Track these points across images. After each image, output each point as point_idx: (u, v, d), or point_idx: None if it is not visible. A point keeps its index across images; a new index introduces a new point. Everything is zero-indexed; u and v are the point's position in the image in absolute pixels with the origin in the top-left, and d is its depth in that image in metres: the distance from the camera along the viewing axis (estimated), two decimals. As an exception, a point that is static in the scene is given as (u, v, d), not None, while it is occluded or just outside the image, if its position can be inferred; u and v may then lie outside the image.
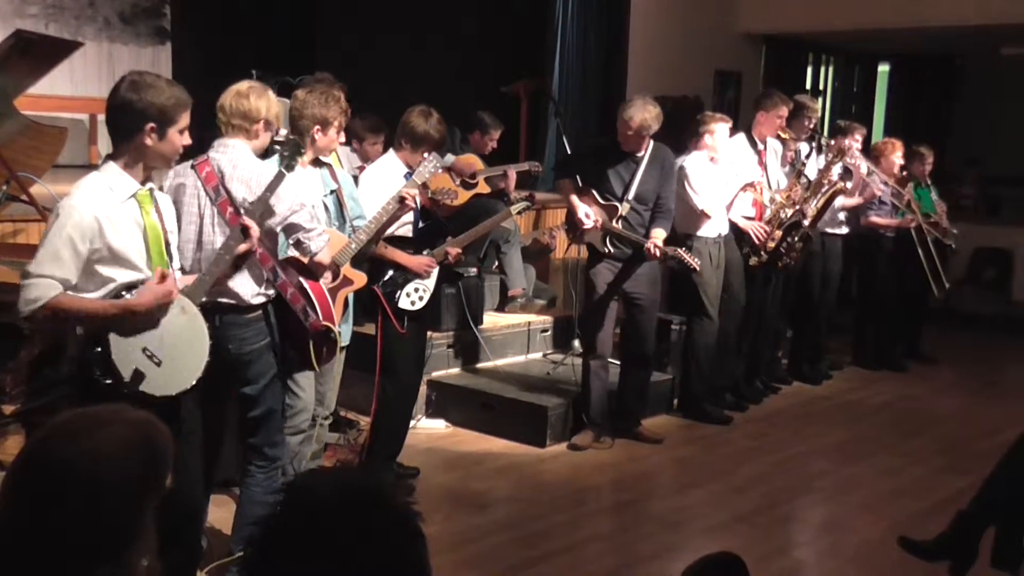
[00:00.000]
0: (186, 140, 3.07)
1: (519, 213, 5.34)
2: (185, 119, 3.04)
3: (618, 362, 5.94)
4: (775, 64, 10.73)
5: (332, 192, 4.25)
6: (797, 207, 6.51)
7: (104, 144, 3.55)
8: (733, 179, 6.29)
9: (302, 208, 3.58)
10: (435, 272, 4.76)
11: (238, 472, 3.99)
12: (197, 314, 3.13)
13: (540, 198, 6.87)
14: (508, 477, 5.29)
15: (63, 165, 6.08)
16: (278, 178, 3.40)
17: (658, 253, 5.42)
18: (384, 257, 4.62)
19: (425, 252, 4.77)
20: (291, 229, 3.58)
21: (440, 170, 5.36)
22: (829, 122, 10.58)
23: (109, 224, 2.95)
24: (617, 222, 5.53)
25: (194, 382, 3.13)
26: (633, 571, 4.29)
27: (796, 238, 6.56)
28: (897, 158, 7.58)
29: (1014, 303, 10.35)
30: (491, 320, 6.73)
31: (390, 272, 4.66)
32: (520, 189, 6.85)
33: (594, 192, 5.58)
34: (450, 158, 6.17)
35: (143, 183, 3.07)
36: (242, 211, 3.40)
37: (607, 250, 5.59)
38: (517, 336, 6.77)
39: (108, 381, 2.94)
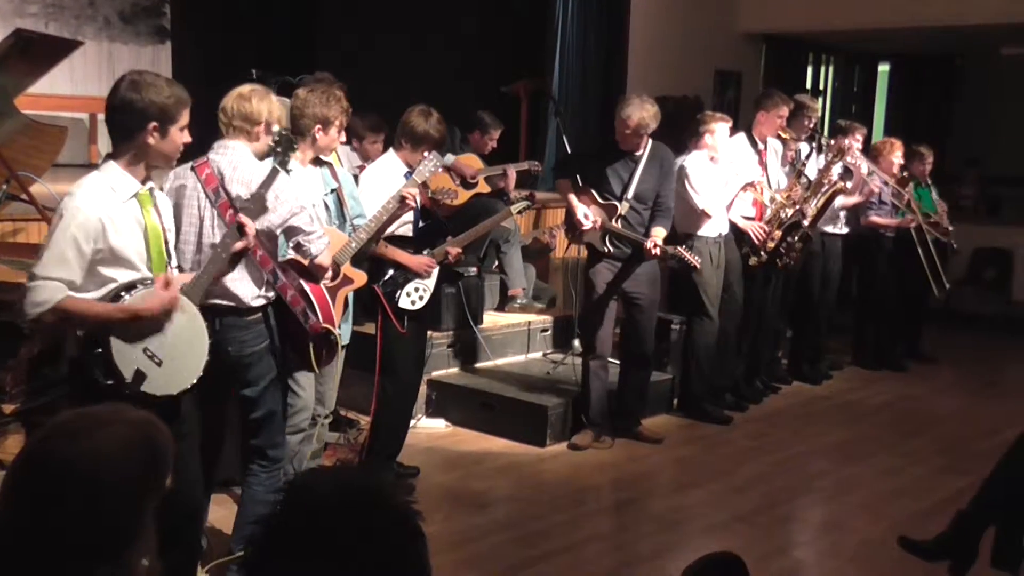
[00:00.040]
0: (186, 138, 3.08)
1: (519, 213, 5.35)
2: (186, 117, 3.04)
3: (618, 362, 5.95)
4: (775, 64, 10.72)
5: (332, 191, 4.26)
6: (797, 207, 6.51)
7: (104, 143, 3.56)
8: (733, 179, 6.29)
9: (302, 211, 3.58)
10: (435, 272, 4.76)
11: (239, 472, 3.99)
12: (196, 313, 3.13)
13: (540, 197, 6.87)
14: (508, 477, 5.29)
15: (63, 164, 6.08)
16: (272, 174, 3.40)
17: (658, 252, 5.42)
18: (384, 256, 4.62)
19: (425, 252, 4.77)
20: (291, 232, 3.59)
21: (440, 169, 5.36)
22: (829, 122, 10.58)
23: (112, 224, 2.94)
24: (616, 221, 5.53)
25: (194, 381, 3.13)
26: (633, 571, 4.30)
27: (796, 238, 6.56)
28: (896, 158, 7.58)
29: (1014, 303, 10.35)
30: (491, 320, 6.73)
31: (390, 271, 4.66)
32: (520, 188, 6.86)
33: (593, 192, 5.58)
34: (450, 158, 6.17)
35: (143, 182, 3.06)
36: (238, 208, 3.40)
37: (607, 249, 5.59)
38: (517, 336, 6.77)
39: (109, 382, 2.93)
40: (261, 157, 3.62)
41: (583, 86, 9.07)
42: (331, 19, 10.56)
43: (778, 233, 6.48)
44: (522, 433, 5.76)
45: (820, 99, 10.41)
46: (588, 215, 5.52)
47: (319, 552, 1.32)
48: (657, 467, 5.59)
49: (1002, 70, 11.49)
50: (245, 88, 3.67)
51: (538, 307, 7.05)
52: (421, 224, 4.84)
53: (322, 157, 4.23)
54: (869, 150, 7.77)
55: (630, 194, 5.51)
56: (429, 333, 5.42)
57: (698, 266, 5.66)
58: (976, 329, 9.69)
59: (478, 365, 6.47)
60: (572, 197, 5.60)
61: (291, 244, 3.68)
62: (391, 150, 4.82)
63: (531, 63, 8.94)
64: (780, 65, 10.73)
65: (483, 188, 6.67)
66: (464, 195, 6.54)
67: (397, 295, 4.65)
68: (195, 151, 3.42)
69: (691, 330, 6.38)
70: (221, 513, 4.24)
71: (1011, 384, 8.09)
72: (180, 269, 3.34)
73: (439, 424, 5.99)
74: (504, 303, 6.95)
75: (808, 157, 6.77)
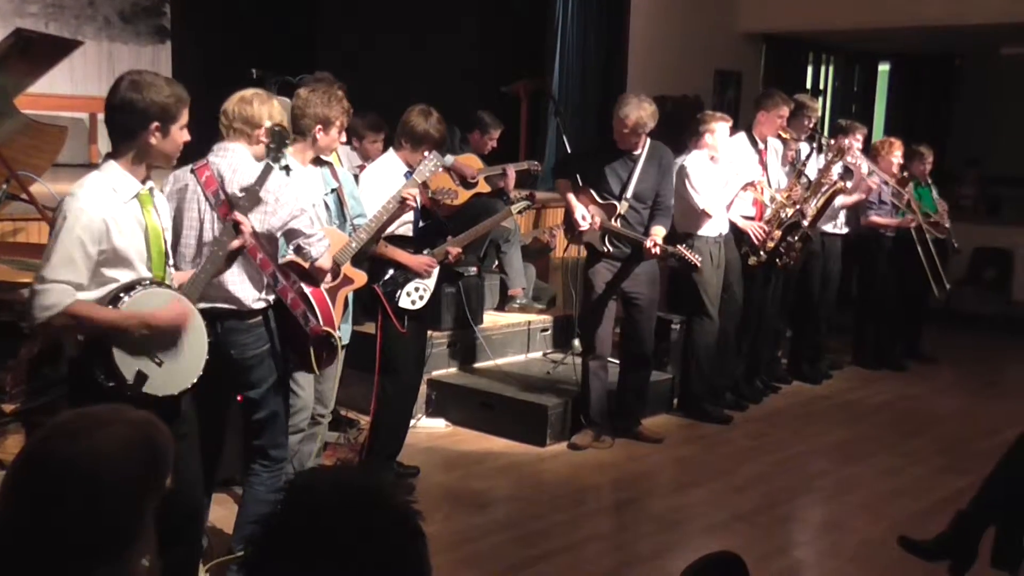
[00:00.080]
0: (186, 136, 3.08)
1: (519, 212, 5.35)
2: (185, 116, 3.05)
3: (617, 362, 5.95)
4: (775, 64, 10.72)
5: (333, 191, 4.26)
6: (797, 207, 6.51)
7: (104, 143, 3.55)
8: (733, 178, 6.29)
9: (303, 213, 3.59)
10: (435, 271, 4.76)
11: (240, 471, 3.99)
12: (195, 312, 3.13)
13: (540, 197, 6.87)
14: (508, 476, 5.29)
15: (63, 164, 6.09)
16: (266, 170, 3.40)
17: (658, 251, 5.42)
18: (385, 256, 4.62)
19: (425, 251, 4.77)
20: (291, 235, 3.59)
21: (440, 169, 5.36)
22: (829, 122, 10.58)
23: (116, 225, 2.94)
24: (616, 221, 5.52)
25: (195, 380, 3.13)
26: (633, 570, 4.30)
27: (796, 238, 6.56)
28: (896, 157, 7.59)
29: (1014, 303, 10.35)
30: (491, 319, 6.73)
31: (390, 271, 4.66)
32: (520, 188, 6.86)
33: (592, 191, 5.58)
34: (450, 158, 6.17)
35: (143, 182, 3.06)
36: (234, 205, 3.40)
37: (606, 249, 5.59)
38: (517, 335, 6.77)
39: (111, 384, 2.93)
40: (261, 160, 3.62)
41: (583, 86, 9.07)
42: (331, 19, 10.57)
43: (778, 233, 6.48)
44: (522, 433, 5.76)
45: (820, 99, 10.41)
46: (586, 215, 5.52)
47: (319, 552, 1.32)
48: (657, 467, 5.59)
49: (1002, 70, 11.49)
50: (247, 92, 3.69)
51: (538, 307, 7.06)
52: (421, 224, 4.84)
53: (323, 157, 4.23)
54: (869, 150, 7.77)
55: (629, 193, 5.51)
56: (429, 333, 5.42)
57: (699, 264, 5.67)
58: (976, 329, 9.69)
59: (478, 365, 6.47)
60: (571, 197, 5.60)
61: (291, 247, 3.69)
62: (391, 150, 4.82)
63: (531, 63, 8.94)
64: (780, 65, 10.73)
65: (483, 188, 6.67)
66: (464, 195, 6.54)
67: (397, 295, 4.66)
68: (194, 150, 3.42)
69: (691, 330, 6.38)
70: (222, 513, 4.24)
71: (1011, 384, 8.09)
72: (177, 268, 3.34)
73: (439, 424, 5.99)
74: (504, 303, 6.95)
75: (808, 157, 6.77)
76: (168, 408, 2.97)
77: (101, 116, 3.12)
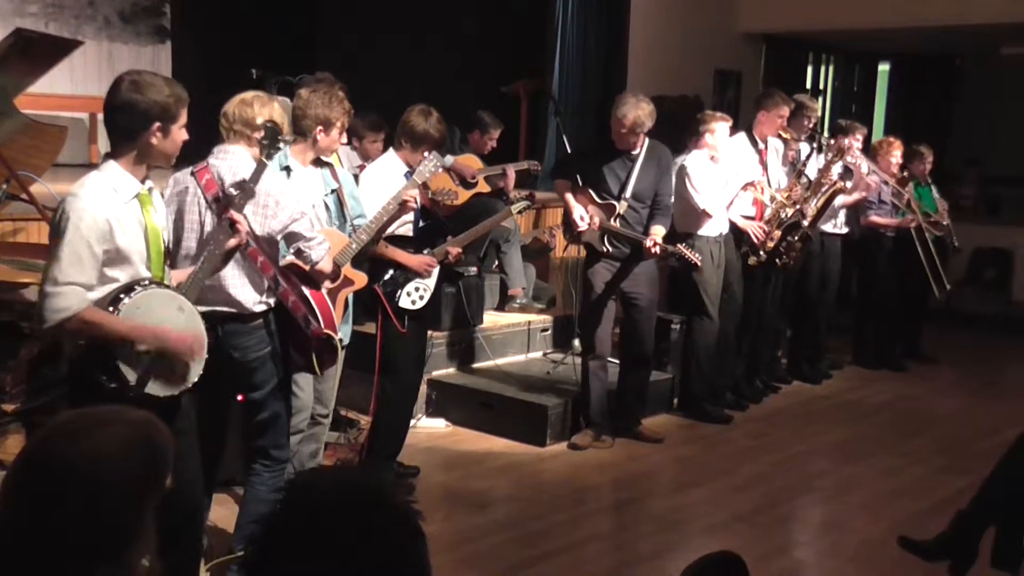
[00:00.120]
0: (185, 136, 3.08)
1: (519, 212, 5.35)
2: (184, 115, 3.05)
3: (617, 362, 5.94)
4: (775, 64, 10.72)
5: (333, 191, 4.26)
6: (797, 207, 6.51)
7: (104, 143, 3.54)
8: (734, 178, 6.29)
9: (303, 216, 3.59)
10: (436, 271, 4.76)
11: (240, 471, 4.00)
12: (195, 312, 3.12)
13: (540, 197, 6.87)
14: (508, 476, 5.29)
15: (63, 164, 6.08)
16: (260, 167, 3.39)
17: (658, 250, 5.42)
18: (385, 256, 4.62)
19: (425, 251, 4.77)
20: (292, 238, 3.60)
21: (440, 170, 5.36)
22: (829, 122, 10.58)
23: (119, 225, 2.94)
24: (615, 220, 5.52)
25: (195, 379, 3.13)
26: (633, 570, 4.30)
27: (796, 238, 6.56)
28: (895, 157, 7.59)
29: (1014, 303, 10.35)
30: (491, 319, 6.73)
31: (391, 271, 4.66)
32: (520, 188, 6.86)
33: (591, 191, 5.58)
34: (450, 159, 6.17)
35: (142, 182, 3.06)
36: (227, 204, 3.40)
37: (606, 249, 5.59)
38: (517, 335, 6.77)
39: (113, 385, 2.93)
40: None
41: (583, 86, 9.07)
42: (331, 19, 10.57)
43: (778, 233, 6.48)
44: (522, 433, 5.76)
45: (820, 99, 10.42)
46: (584, 216, 5.52)
47: (319, 552, 1.32)
48: (657, 467, 5.59)
49: (1002, 70, 11.49)
50: (247, 94, 3.69)
51: (538, 307, 7.06)
52: (421, 224, 4.84)
53: (323, 158, 4.23)
54: (868, 150, 7.77)
55: (628, 193, 5.51)
56: (429, 333, 5.42)
57: (699, 263, 5.67)
58: (976, 329, 9.69)
59: (478, 365, 6.47)
60: (569, 197, 5.60)
61: (292, 250, 3.69)
62: (391, 150, 4.82)
63: (531, 63, 8.94)
64: (780, 65, 10.73)
65: (483, 188, 6.67)
66: (464, 195, 6.54)
67: (397, 295, 4.65)
68: (194, 150, 3.42)
69: (691, 330, 6.38)
70: (222, 512, 4.24)
71: (1011, 384, 8.09)
72: (173, 267, 3.35)
73: (439, 424, 5.99)
74: (504, 303, 6.94)
75: (808, 157, 6.77)
76: (168, 407, 2.97)
77: (101, 116, 3.11)
